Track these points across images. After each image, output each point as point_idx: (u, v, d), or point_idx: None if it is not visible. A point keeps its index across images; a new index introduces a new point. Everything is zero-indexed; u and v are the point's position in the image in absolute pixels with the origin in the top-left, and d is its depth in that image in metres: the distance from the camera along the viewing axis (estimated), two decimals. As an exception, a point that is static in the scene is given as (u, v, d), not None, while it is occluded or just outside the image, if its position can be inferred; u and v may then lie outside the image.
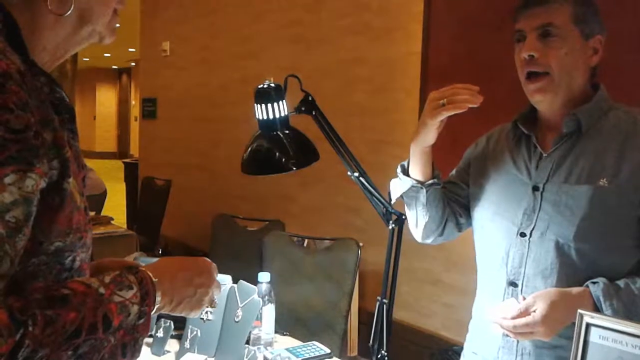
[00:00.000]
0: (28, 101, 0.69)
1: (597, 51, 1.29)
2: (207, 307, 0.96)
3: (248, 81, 4.52)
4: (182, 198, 5.21)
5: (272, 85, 1.25)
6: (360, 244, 2.44)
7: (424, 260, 3.13)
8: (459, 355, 2.86)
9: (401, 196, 1.45)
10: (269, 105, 1.24)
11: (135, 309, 0.78)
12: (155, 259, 0.97)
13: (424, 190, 1.41)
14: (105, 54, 16.07)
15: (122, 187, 7.20)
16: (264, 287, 1.70)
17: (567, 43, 1.26)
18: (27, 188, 0.67)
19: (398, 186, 1.44)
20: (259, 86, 1.26)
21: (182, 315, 0.93)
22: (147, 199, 4.99)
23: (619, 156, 1.23)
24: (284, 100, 1.26)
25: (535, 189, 1.31)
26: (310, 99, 1.30)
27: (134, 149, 16.47)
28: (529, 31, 1.28)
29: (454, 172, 1.55)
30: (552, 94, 1.28)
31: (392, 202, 1.44)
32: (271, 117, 1.25)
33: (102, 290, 0.74)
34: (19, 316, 0.65)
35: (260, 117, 1.26)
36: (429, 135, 1.33)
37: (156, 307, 0.83)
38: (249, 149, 1.29)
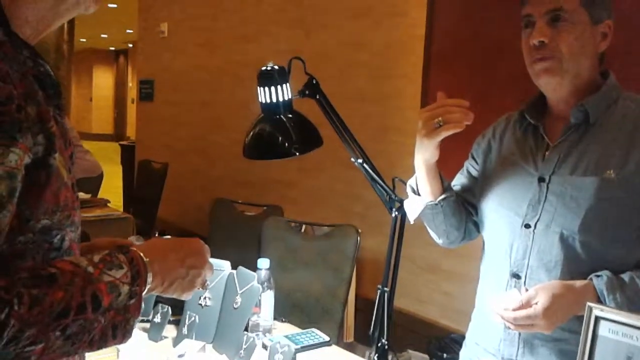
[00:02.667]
0: (9, 72, 0.66)
1: (606, 36, 1.26)
2: (199, 288, 0.94)
3: (248, 64, 4.47)
4: (179, 181, 5.18)
5: (276, 67, 1.21)
6: (359, 231, 2.43)
7: (422, 247, 3.11)
8: (457, 343, 2.86)
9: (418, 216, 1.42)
10: (273, 88, 1.21)
11: (125, 289, 0.76)
12: None
13: (439, 207, 1.39)
14: (102, 35, 15.94)
15: (118, 170, 7.16)
16: (264, 273, 1.68)
17: (577, 28, 1.23)
18: (10, 163, 0.65)
19: (412, 207, 1.41)
20: (263, 68, 1.22)
21: (174, 296, 0.91)
22: (143, 182, 4.95)
23: (627, 147, 1.21)
24: (287, 84, 1.23)
25: (541, 180, 1.28)
26: (314, 82, 1.27)
27: (131, 132, 16.40)
28: (538, 16, 1.25)
29: (464, 170, 1.52)
30: (558, 77, 1.25)
31: (412, 223, 1.41)
32: (274, 100, 1.22)
33: (90, 269, 0.73)
34: (4, 295, 0.63)
35: (263, 101, 1.23)
36: (431, 153, 1.30)
37: (147, 287, 0.82)
38: (251, 133, 1.26)
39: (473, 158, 1.50)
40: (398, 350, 3.04)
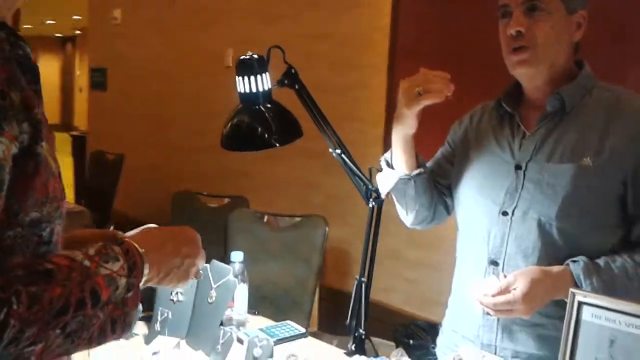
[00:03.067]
0: None
1: (581, 26, 1.29)
2: (194, 278, 0.92)
3: (204, 54, 4.38)
4: (136, 173, 5.04)
5: (255, 56, 1.19)
6: (327, 221, 2.42)
7: (384, 235, 3.13)
8: (422, 329, 2.89)
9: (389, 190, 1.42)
10: (252, 77, 1.18)
11: (123, 281, 0.74)
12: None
13: (412, 182, 1.39)
14: (48, 21, 15.29)
15: (68, 161, 6.92)
16: (237, 266, 1.65)
17: (553, 17, 1.25)
18: None
19: (385, 181, 1.41)
20: (242, 57, 1.19)
21: (169, 287, 0.89)
22: (97, 174, 4.80)
23: (602, 135, 1.24)
24: (267, 73, 1.20)
25: (517, 167, 1.30)
26: (293, 71, 1.25)
27: (78, 121, 15.89)
28: (515, 6, 1.26)
29: (438, 153, 1.53)
30: (534, 67, 1.27)
31: (382, 198, 1.41)
32: (254, 90, 1.19)
33: (87, 263, 0.70)
34: (1, 294, 0.60)
35: (242, 90, 1.20)
36: (409, 124, 1.31)
37: (144, 279, 0.79)
38: (230, 123, 1.23)
39: (449, 144, 1.51)
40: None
